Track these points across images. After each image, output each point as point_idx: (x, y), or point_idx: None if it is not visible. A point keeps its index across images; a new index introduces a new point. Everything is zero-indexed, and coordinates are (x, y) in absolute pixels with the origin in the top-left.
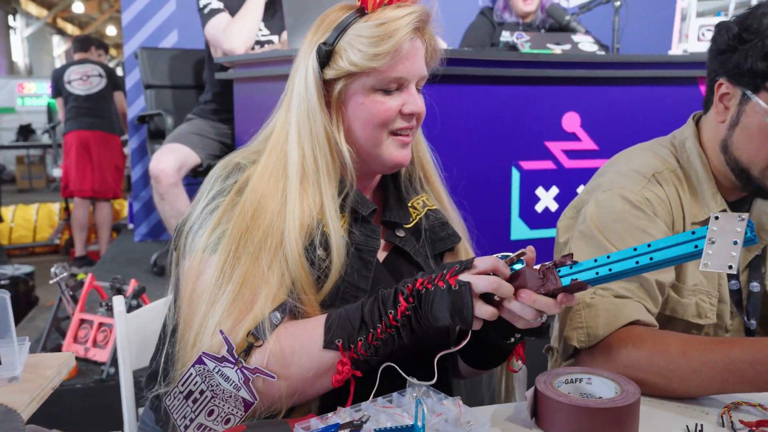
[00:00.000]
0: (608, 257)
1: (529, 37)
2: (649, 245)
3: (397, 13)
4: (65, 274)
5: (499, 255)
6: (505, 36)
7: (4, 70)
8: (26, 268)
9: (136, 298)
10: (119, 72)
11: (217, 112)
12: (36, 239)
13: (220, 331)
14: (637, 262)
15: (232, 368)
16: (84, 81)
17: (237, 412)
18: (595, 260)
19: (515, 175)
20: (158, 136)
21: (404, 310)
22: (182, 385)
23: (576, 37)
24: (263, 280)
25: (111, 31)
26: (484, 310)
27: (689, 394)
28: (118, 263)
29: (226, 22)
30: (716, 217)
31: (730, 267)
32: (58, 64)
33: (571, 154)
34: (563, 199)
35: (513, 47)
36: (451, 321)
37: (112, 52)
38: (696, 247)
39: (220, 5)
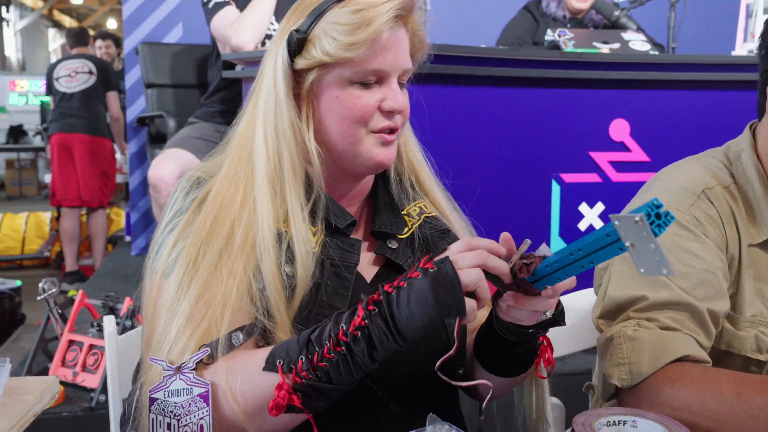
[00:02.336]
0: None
1: (573, 35)
2: (579, 249)
3: None
4: (54, 290)
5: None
6: (549, 34)
7: None
8: (12, 283)
9: (131, 319)
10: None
11: (223, 114)
12: (24, 251)
13: (150, 358)
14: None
15: (175, 378)
16: (71, 78)
17: (203, 413)
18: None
19: (555, 189)
20: (159, 140)
21: (360, 322)
22: None
23: (626, 35)
24: (223, 291)
25: (111, 24)
26: (472, 276)
27: None
28: (113, 279)
29: (234, 16)
30: (617, 222)
31: (665, 271)
32: (53, 60)
33: (619, 166)
34: None
35: (555, 46)
36: (436, 308)
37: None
38: (621, 249)
39: None
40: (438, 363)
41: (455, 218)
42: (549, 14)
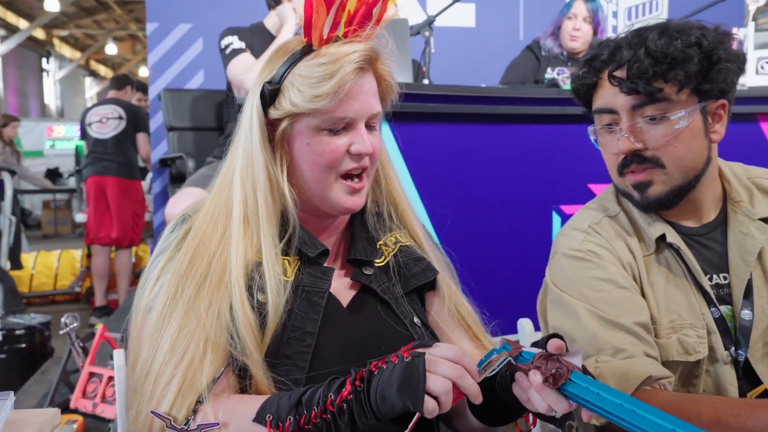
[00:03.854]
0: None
1: (571, 73)
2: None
3: (342, 50)
4: (75, 324)
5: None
6: (549, 72)
7: (35, 113)
8: (42, 318)
9: None
10: None
11: None
12: (57, 287)
13: (152, 411)
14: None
15: None
16: (102, 124)
17: None
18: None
19: (556, 220)
20: (179, 180)
21: (346, 395)
22: None
23: None
24: (199, 326)
25: (144, 72)
26: (439, 384)
27: None
28: None
29: (249, 63)
30: None
31: None
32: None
33: None
34: None
35: (555, 84)
36: (399, 398)
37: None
38: None
39: (242, 45)
40: None
41: (431, 248)
42: (547, 50)
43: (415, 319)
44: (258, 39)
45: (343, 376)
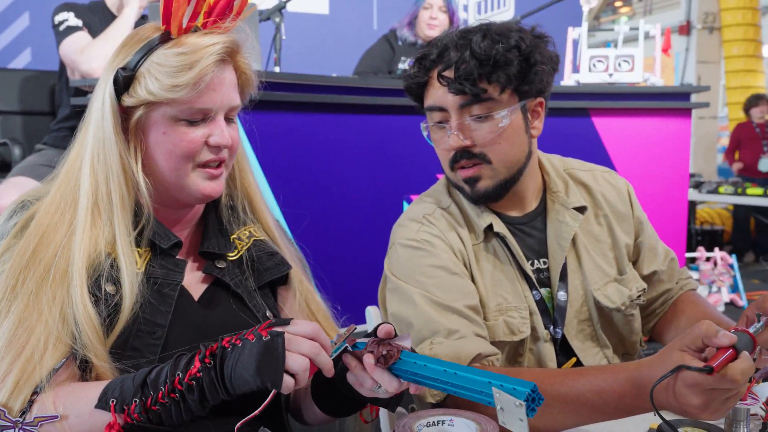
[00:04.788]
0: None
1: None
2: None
3: (203, 41)
4: None
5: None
6: (402, 61)
7: None
8: None
9: None
10: None
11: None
12: None
13: None
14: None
15: (13, 431)
16: None
17: None
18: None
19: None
20: (3, 168)
21: (195, 372)
22: None
23: None
24: (41, 321)
25: None
26: (298, 362)
27: (548, 428)
28: None
29: (85, 42)
30: (498, 395)
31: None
32: None
33: None
34: None
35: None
36: (258, 377)
37: None
38: (490, 404)
39: (79, 23)
40: (238, 424)
41: (284, 243)
42: (403, 39)
43: (268, 313)
44: (97, 18)
45: (190, 354)
